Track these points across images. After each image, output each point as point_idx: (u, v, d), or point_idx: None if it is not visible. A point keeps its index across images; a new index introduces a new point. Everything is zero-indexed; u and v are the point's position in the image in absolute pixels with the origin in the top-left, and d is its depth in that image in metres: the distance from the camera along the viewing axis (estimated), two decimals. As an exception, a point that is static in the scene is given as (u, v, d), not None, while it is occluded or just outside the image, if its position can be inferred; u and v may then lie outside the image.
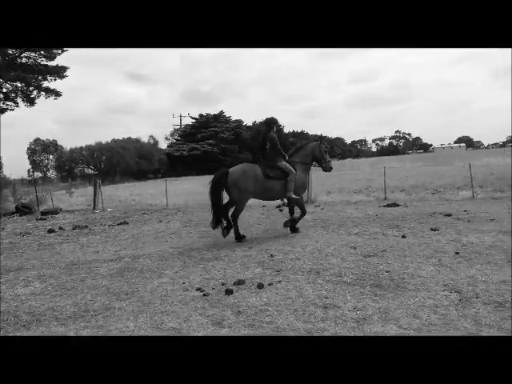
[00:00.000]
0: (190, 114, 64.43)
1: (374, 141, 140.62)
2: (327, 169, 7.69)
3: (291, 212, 7.56)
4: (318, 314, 3.48)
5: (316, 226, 7.93)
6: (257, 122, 73.79)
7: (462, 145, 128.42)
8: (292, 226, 7.42)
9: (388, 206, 10.04)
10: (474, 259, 4.85)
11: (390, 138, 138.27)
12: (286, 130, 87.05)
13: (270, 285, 4.42)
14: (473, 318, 3.17)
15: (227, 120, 59.87)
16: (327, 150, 7.70)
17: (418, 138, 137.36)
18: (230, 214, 7.13)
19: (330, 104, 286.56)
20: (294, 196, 7.17)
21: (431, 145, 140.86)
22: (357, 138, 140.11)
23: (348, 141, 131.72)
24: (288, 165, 7.18)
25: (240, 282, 4.53)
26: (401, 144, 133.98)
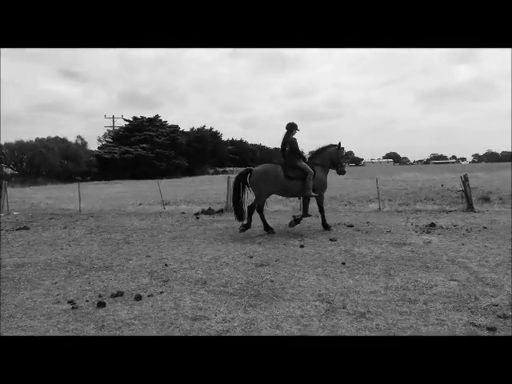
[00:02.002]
0: (123, 115, 61.79)
1: (310, 153, 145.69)
2: (341, 172, 8.55)
3: (305, 209, 8.25)
4: (183, 327, 3.36)
5: (224, 235, 7.87)
6: (195, 128, 73.18)
7: (389, 160, 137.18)
8: (324, 224, 8.09)
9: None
10: (356, 269, 5.04)
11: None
12: (224, 138, 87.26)
13: (150, 296, 4.23)
14: (331, 329, 3.24)
15: (163, 124, 58.55)
16: (343, 156, 8.55)
17: (350, 152, 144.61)
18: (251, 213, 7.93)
19: (269, 115, 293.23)
20: (312, 194, 7.82)
21: (362, 159, 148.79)
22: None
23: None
24: (307, 165, 7.85)
25: (118, 294, 4.28)
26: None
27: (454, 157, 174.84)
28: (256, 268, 5.25)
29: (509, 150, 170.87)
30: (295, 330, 3.23)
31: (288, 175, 7.73)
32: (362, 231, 7.82)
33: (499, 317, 3.37)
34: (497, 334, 3.07)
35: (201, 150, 65.21)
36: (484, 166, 64.07)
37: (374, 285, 4.39)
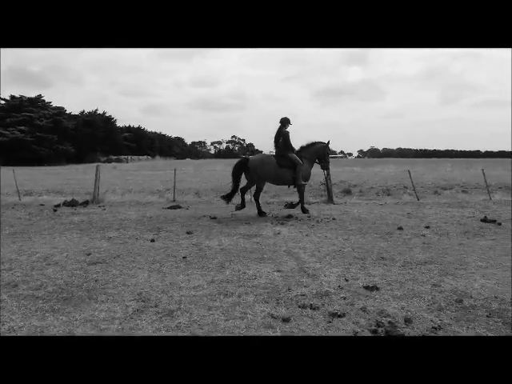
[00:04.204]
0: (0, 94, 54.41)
1: (212, 143, 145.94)
2: (325, 167, 9.45)
3: (301, 196, 8.93)
4: (-49, 343, 2.87)
5: (74, 229, 7.22)
6: (85, 111, 67.63)
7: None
8: (302, 209, 8.82)
9: (170, 208, 10.01)
10: (194, 264, 4.95)
11: (226, 142, 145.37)
12: (120, 124, 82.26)
13: None
14: (126, 332, 3.05)
15: (46, 106, 52.97)
16: (330, 153, 9.41)
17: (251, 144, 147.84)
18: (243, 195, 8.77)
19: (173, 103, 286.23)
20: (302, 182, 8.68)
21: (262, 151, 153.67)
22: (197, 140, 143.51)
23: (188, 142, 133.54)
24: (296, 157, 8.62)
25: None
26: (236, 148, 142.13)
27: (342, 152, 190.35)
28: (87, 266, 4.85)
29: (389, 147, 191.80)
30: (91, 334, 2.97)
31: (280, 163, 8.51)
32: (222, 223, 7.84)
33: (299, 307, 3.53)
34: (288, 324, 3.18)
35: (91, 136, 60.64)
36: (366, 161, 70.92)
37: (202, 279, 4.34)
